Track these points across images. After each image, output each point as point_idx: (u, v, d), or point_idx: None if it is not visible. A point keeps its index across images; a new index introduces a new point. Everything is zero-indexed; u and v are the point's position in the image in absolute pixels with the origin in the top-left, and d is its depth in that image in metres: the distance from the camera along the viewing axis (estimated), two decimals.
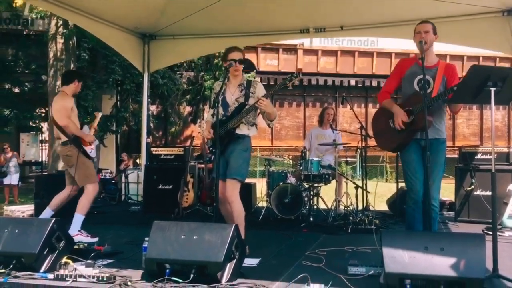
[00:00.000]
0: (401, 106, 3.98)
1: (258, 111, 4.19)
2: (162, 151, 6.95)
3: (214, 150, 4.15)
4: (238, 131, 4.17)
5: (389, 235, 3.21)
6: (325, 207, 6.33)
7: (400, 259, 2.98)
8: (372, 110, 19.58)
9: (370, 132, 4.66)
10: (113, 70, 14.85)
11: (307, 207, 5.95)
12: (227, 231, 3.31)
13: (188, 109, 18.55)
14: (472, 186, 5.71)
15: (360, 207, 5.87)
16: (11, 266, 3.44)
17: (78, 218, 4.87)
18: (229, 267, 3.29)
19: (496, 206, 3.43)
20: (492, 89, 3.27)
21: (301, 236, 5.13)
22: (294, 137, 20.68)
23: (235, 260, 3.37)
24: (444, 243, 2.99)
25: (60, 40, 10.37)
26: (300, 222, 5.72)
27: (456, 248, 2.95)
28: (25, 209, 6.63)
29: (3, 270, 3.42)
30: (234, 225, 3.40)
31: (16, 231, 3.55)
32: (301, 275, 3.13)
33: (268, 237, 5.05)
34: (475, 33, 6.80)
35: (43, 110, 15.22)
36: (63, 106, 4.94)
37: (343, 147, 6.34)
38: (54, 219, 3.61)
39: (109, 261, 3.87)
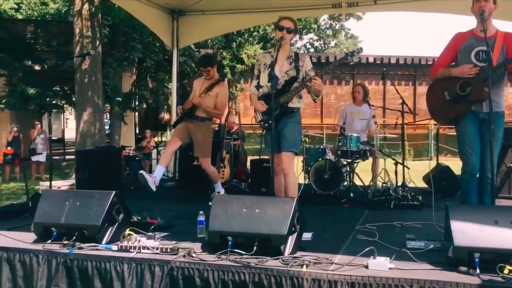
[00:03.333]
0: (457, 78, 3.92)
1: None
2: None
3: (265, 124, 4.16)
4: (290, 105, 4.16)
5: (457, 208, 3.20)
6: (361, 184, 6.34)
7: (470, 232, 2.97)
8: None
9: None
10: (134, 48, 14.84)
11: (345, 183, 5.95)
12: (290, 204, 3.32)
13: None
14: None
15: (399, 183, 5.85)
16: (74, 238, 3.49)
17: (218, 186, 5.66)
18: (291, 240, 3.31)
19: None
20: None
21: (344, 211, 5.15)
22: (311, 115, 20.60)
23: (296, 233, 3.38)
24: None
25: (85, 16, 10.31)
26: (339, 198, 5.72)
27: None
28: (60, 185, 6.69)
29: (66, 242, 3.47)
30: (295, 198, 3.41)
31: (78, 203, 3.59)
32: (368, 248, 3.13)
33: (312, 213, 5.05)
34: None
35: (66, 88, 15.22)
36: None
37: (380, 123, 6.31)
38: (114, 192, 3.63)
39: (164, 234, 3.91)
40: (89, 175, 5.96)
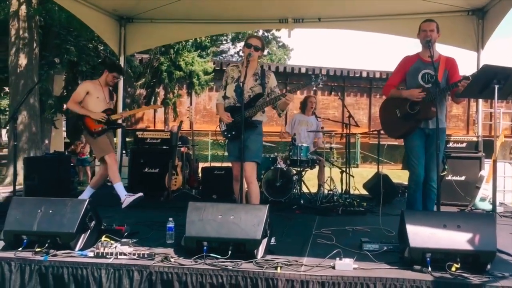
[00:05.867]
0: (406, 99, 4.37)
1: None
2: (148, 135, 7.01)
3: (228, 134, 4.39)
4: (254, 118, 4.41)
5: (411, 214, 3.59)
6: (308, 191, 6.71)
7: (423, 235, 3.37)
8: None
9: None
10: (68, 50, 14.40)
11: (295, 190, 6.28)
12: (263, 211, 3.57)
13: (141, 92, 18.33)
14: (445, 172, 6.26)
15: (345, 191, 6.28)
16: (46, 245, 3.50)
17: (118, 186, 5.69)
18: (263, 244, 3.56)
19: (496, 190, 3.89)
20: (496, 86, 3.71)
21: (297, 218, 5.46)
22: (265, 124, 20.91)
23: (266, 238, 3.63)
24: (460, 221, 3.41)
25: (23, 18, 9.95)
26: (290, 205, 6.02)
27: (471, 226, 3.37)
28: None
29: (39, 249, 3.48)
30: (267, 205, 3.65)
31: (50, 211, 3.60)
32: (335, 250, 3.45)
33: None
34: (442, 30, 7.39)
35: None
36: (74, 92, 5.80)
37: (326, 134, 6.71)
38: (88, 199, 3.70)
39: (133, 240, 3.99)
40: (39, 182, 5.84)
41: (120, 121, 6.39)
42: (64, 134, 18.18)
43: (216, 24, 8.19)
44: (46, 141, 14.64)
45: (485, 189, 5.71)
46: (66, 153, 11.76)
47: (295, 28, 7.88)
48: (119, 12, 7.91)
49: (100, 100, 5.72)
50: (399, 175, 10.11)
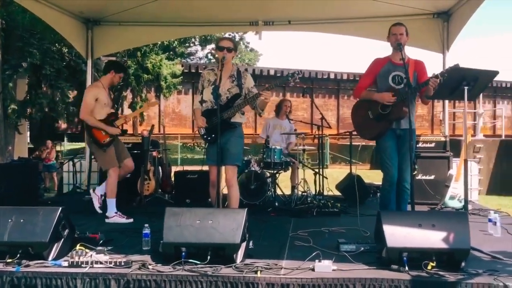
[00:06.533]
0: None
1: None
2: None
3: (208, 137, 4.36)
4: (233, 120, 4.40)
5: (388, 214, 3.65)
6: (281, 193, 6.73)
7: (399, 235, 3.42)
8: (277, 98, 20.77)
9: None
10: (31, 54, 14.04)
11: (270, 193, 6.29)
12: (241, 214, 3.56)
13: None
14: (415, 172, 6.38)
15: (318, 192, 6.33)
16: (18, 255, 3.39)
17: (110, 202, 5.36)
18: (242, 248, 3.54)
19: (467, 188, 4.00)
20: (466, 88, 3.81)
21: (273, 220, 5.47)
22: None
23: (245, 241, 3.62)
24: (435, 220, 3.48)
25: None
26: (265, 208, 6.03)
27: (445, 224, 3.44)
28: None
29: (10, 260, 3.36)
30: (246, 209, 3.64)
31: (21, 220, 3.50)
32: (314, 253, 3.47)
33: None
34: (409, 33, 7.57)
35: None
36: (84, 102, 5.36)
37: (299, 136, 6.76)
38: (60, 207, 3.59)
39: (109, 248, 3.91)
40: (5, 190, 5.66)
41: None
42: (28, 139, 17.76)
43: (186, 26, 8.12)
44: (10, 147, 14.23)
45: (454, 188, 5.86)
46: (31, 158, 11.49)
47: (265, 31, 7.92)
48: (86, 14, 7.75)
49: (106, 106, 5.44)
50: (368, 175, 10.27)
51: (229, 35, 23.92)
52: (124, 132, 5.54)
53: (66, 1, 6.97)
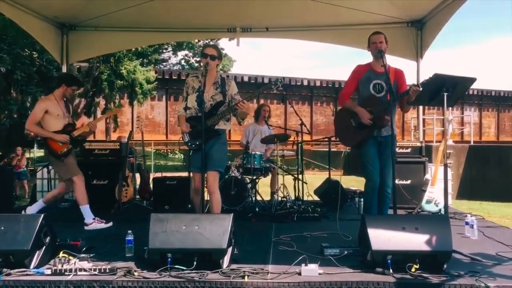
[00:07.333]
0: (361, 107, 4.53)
1: None
2: (96, 146, 6.77)
3: (192, 145, 4.35)
4: (217, 127, 4.40)
5: (372, 218, 3.71)
6: (261, 198, 6.75)
7: (383, 238, 3.48)
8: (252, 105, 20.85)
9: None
10: (1, 59, 13.75)
11: (250, 198, 6.30)
12: (227, 220, 3.55)
13: (80, 101, 17.72)
14: None
15: (297, 197, 6.37)
16: None
17: (84, 209, 5.35)
18: (228, 254, 3.54)
19: (447, 193, 4.09)
20: (445, 94, 3.91)
21: (254, 225, 5.47)
22: None
23: (231, 247, 3.62)
24: (418, 223, 3.56)
25: None
26: (245, 213, 6.03)
27: (428, 227, 3.52)
28: None
29: None
30: (231, 214, 3.63)
31: (2, 228, 3.41)
32: (301, 257, 3.49)
33: None
34: None
35: None
36: (32, 112, 5.40)
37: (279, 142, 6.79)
38: (42, 214, 3.52)
39: (92, 255, 3.84)
40: None
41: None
42: None
43: (163, 32, 8.08)
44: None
45: (430, 192, 5.99)
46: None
47: (243, 37, 7.95)
48: (61, 19, 7.62)
49: (60, 117, 5.39)
50: (342, 180, 10.35)
51: (203, 41, 23.99)
52: (77, 141, 5.50)
53: (41, 6, 6.86)
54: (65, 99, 5.56)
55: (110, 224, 5.30)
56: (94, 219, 5.30)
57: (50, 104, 5.36)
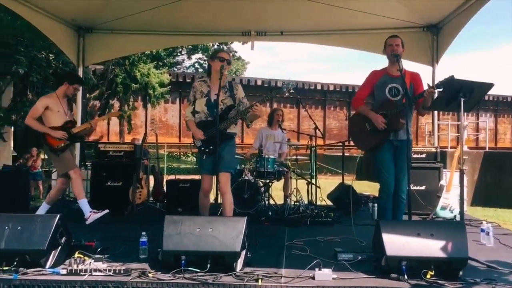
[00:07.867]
0: (375, 111, 4.50)
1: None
2: (111, 147, 6.82)
3: (206, 149, 4.38)
4: (228, 130, 4.42)
5: (387, 224, 3.68)
6: (274, 202, 6.74)
7: (398, 243, 3.46)
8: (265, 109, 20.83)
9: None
10: (18, 61, 13.89)
11: (263, 202, 6.30)
12: (241, 222, 3.55)
13: (95, 103, 17.88)
14: None
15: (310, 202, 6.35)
16: (15, 263, 3.34)
17: (82, 203, 5.53)
18: (241, 257, 3.54)
19: (463, 197, 4.05)
20: (462, 99, 3.88)
21: (267, 229, 5.47)
22: None
23: (245, 249, 3.62)
24: (433, 229, 3.53)
25: None
26: (258, 217, 6.02)
27: (444, 234, 3.49)
28: None
29: (7, 268, 3.31)
30: (245, 217, 3.64)
31: (19, 228, 3.45)
32: (315, 261, 3.47)
33: None
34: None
35: None
36: (33, 108, 5.58)
37: (292, 146, 6.79)
38: (58, 215, 3.55)
39: (106, 256, 3.87)
40: None
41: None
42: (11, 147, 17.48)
43: (178, 35, 8.16)
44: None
45: (445, 198, 5.94)
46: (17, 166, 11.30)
47: (257, 41, 7.97)
48: (78, 22, 7.72)
49: (60, 114, 5.56)
50: (354, 185, 10.28)
51: (217, 45, 24.11)
52: (74, 138, 5.69)
53: (59, 9, 6.95)
54: (67, 97, 5.69)
55: (106, 211, 5.50)
56: (90, 211, 5.47)
57: (51, 101, 5.54)
